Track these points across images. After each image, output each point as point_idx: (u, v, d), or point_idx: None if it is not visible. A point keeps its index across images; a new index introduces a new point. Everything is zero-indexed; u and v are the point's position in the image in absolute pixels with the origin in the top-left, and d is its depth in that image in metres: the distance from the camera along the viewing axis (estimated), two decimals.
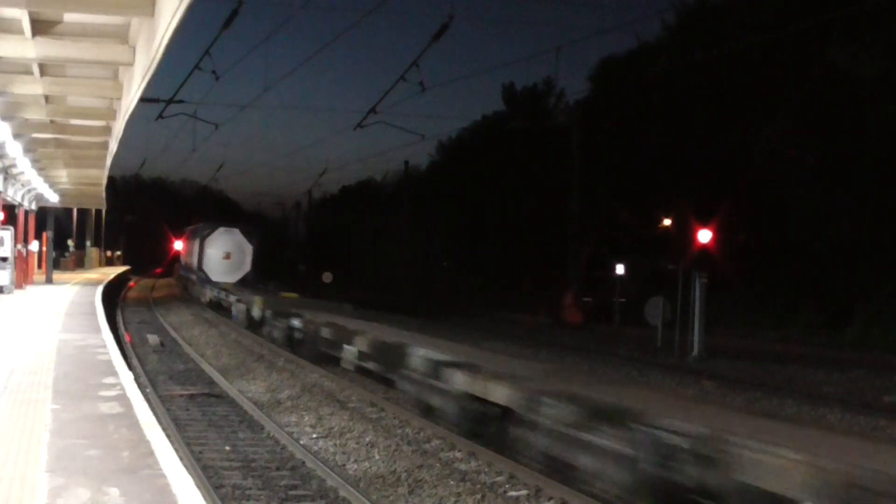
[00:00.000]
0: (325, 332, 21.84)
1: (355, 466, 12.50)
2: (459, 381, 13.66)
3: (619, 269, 39.12)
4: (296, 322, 24.54)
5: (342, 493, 10.87)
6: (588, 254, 46.93)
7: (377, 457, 12.92)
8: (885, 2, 28.85)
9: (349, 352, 19.86)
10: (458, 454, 12.90)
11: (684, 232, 35.66)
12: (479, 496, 10.86)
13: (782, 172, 36.32)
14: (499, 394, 12.47)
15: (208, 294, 43.21)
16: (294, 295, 35.44)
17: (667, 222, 45.04)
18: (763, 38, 33.00)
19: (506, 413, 12.37)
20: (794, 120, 35.53)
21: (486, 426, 13.11)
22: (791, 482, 7.53)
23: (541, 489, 10.96)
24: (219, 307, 39.32)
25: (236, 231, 48.37)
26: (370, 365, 18.77)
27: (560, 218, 44.43)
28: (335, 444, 13.79)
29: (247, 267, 47.46)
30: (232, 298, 35.99)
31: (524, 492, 11.00)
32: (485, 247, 60.34)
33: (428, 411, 15.01)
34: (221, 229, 48.25)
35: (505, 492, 11.07)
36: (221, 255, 47.42)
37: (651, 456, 9.37)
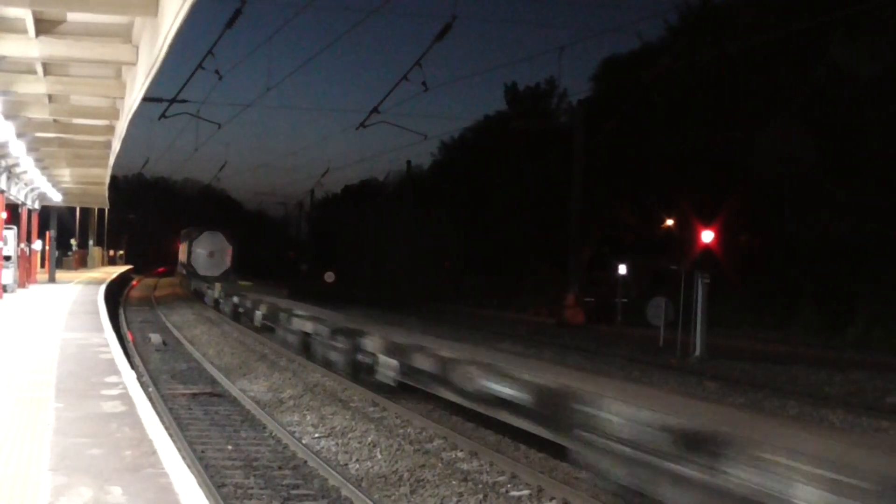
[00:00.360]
0: (248, 304, 32.86)
1: (357, 466, 12.51)
2: (297, 324, 23.82)
3: (622, 269, 39.12)
4: (236, 300, 35.65)
5: (344, 492, 10.89)
6: (590, 254, 46.96)
7: (379, 456, 12.93)
8: (886, 1, 28.84)
9: (258, 314, 30.25)
10: (459, 454, 12.91)
11: (686, 232, 35.70)
12: (480, 496, 10.86)
13: (784, 172, 36.30)
14: (308, 327, 22.72)
15: (192, 285, 53.40)
16: (248, 284, 46.76)
17: (669, 222, 45.06)
18: (765, 38, 32.99)
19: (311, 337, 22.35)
20: (795, 120, 35.51)
21: (307, 348, 22.57)
22: (374, 345, 17.83)
23: (543, 489, 10.96)
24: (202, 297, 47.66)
25: (219, 234, 58.87)
26: (266, 322, 28.93)
27: (562, 218, 44.42)
28: (337, 444, 13.80)
29: (227, 263, 57.75)
30: (204, 286, 46.49)
31: (526, 492, 11.01)
32: (487, 247, 60.33)
33: (286, 344, 24.74)
34: (207, 233, 58.67)
35: (507, 491, 11.07)
36: (206, 253, 57.82)
37: (359, 351, 18.67)
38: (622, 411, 9.89)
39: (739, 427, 8.97)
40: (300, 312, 24.78)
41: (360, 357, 18.57)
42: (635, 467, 9.39)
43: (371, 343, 18.13)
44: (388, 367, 17.02)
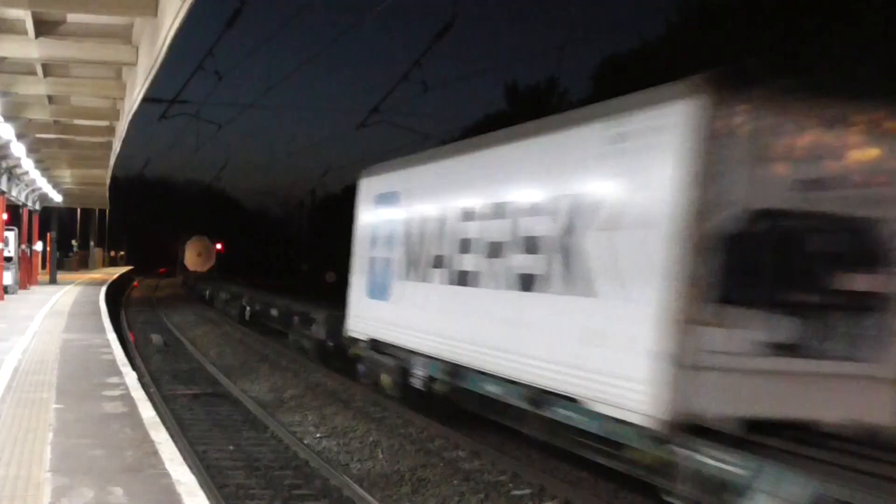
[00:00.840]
0: (206, 287, 47.07)
1: (359, 466, 12.50)
2: (222, 296, 39.93)
3: None
4: (200, 285, 50.52)
5: (346, 492, 10.89)
6: None
7: (381, 456, 12.92)
8: (886, 1, 28.82)
9: (207, 292, 45.00)
10: (461, 453, 12.90)
11: None
12: (482, 495, 10.86)
13: None
14: (225, 297, 39.13)
15: (182, 277, 69.70)
16: (216, 275, 61.94)
17: None
18: (765, 36, 32.96)
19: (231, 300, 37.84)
20: None
21: (225, 309, 37.48)
22: (245, 300, 34.60)
23: (544, 488, 10.96)
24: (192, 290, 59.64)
25: (206, 238, 75.10)
26: (212, 297, 42.99)
27: None
28: (339, 444, 13.79)
29: (212, 261, 73.73)
30: (187, 278, 64.28)
31: (527, 490, 11.00)
32: None
33: (219, 309, 38.99)
34: (196, 236, 74.79)
35: (508, 491, 11.07)
36: (196, 253, 73.50)
37: (241, 305, 34.26)
38: (298, 314, 24.30)
39: (310, 309, 23.67)
40: (224, 288, 40.74)
41: (242, 309, 33.35)
42: (295, 336, 24.00)
43: (244, 300, 34.08)
44: (248, 310, 32.77)
